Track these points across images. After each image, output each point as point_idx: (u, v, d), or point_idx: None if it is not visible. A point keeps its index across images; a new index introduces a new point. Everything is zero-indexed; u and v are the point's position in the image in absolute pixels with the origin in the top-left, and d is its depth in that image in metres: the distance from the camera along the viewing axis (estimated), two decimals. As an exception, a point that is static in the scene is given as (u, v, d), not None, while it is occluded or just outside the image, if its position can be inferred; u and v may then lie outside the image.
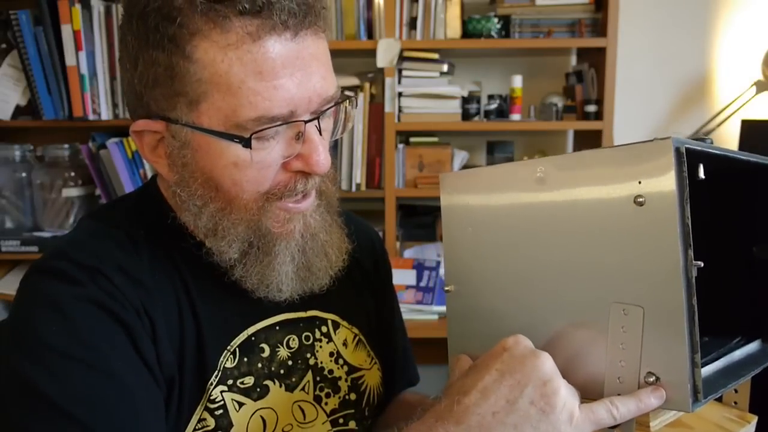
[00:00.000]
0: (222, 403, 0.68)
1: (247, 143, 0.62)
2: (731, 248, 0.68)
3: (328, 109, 0.66)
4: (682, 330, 0.49)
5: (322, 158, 0.65)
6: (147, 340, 0.63)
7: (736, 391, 0.70)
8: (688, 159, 0.50)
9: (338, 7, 2.01)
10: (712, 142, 0.54)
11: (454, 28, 2.02)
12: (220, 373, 0.68)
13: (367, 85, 2.04)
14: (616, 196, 0.52)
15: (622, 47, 2.03)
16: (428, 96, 2.03)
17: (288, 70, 0.61)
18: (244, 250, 0.67)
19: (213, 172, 0.65)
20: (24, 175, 2.08)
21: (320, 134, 0.65)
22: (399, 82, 2.02)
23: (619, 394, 0.52)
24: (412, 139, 2.14)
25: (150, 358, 0.63)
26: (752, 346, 0.66)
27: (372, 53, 1.99)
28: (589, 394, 0.55)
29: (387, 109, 2.01)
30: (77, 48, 1.97)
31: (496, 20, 2.02)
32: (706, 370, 0.57)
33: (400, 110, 2.04)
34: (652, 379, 0.50)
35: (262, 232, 0.67)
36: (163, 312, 0.66)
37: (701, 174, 0.51)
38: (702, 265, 0.49)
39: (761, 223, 0.67)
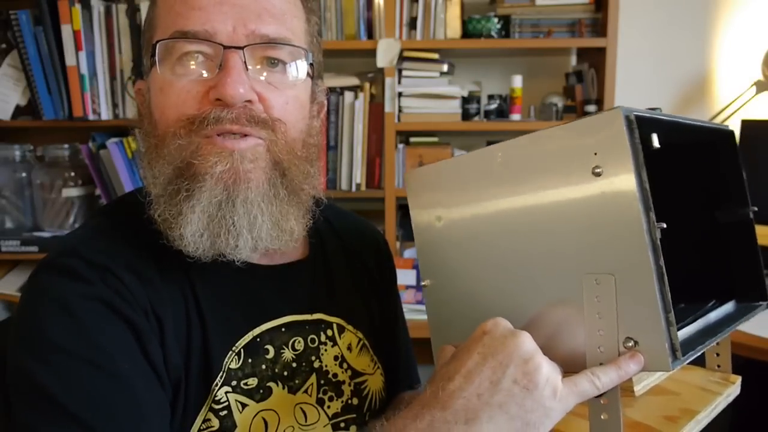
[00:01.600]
0: (226, 403, 0.67)
1: (153, 52, 0.66)
2: (699, 215, 0.70)
3: (259, 44, 0.66)
4: (653, 292, 0.50)
5: (232, 82, 0.63)
6: (154, 342, 0.63)
7: (717, 354, 0.72)
8: (644, 129, 0.51)
9: (338, 7, 2.01)
10: (661, 111, 0.56)
11: (454, 28, 2.02)
12: (224, 374, 0.68)
13: (367, 85, 2.04)
14: (574, 169, 0.54)
15: (622, 47, 2.03)
16: (428, 96, 2.03)
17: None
18: (164, 187, 0.66)
19: (152, 105, 0.69)
20: (24, 175, 2.08)
21: (246, 68, 0.65)
22: (399, 82, 2.02)
23: (601, 363, 0.53)
24: (412, 139, 2.14)
25: (157, 359, 0.63)
26: (727, 307, 0.68)
27: (372, 53, 1.99)
28: (573, 367, 0.55)
29: (387, 109, 2.01)
30: (77, 48, 1.97)
31: (496, 20, 2.02)
32: (684, 332, 0.58)
33: (400, 110, 2.04)
34: (630, 344, 0.51)
35: (183, 167, 0.65)
36: (171, 312, 0.66)
37: (656, 143, 0.52)
38: (665, 226, 0.50)
39: (722, 188, 0.69)
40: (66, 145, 2.06)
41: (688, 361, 0.53)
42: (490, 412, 0.51)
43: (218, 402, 0.67)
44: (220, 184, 0.64)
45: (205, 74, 0.65)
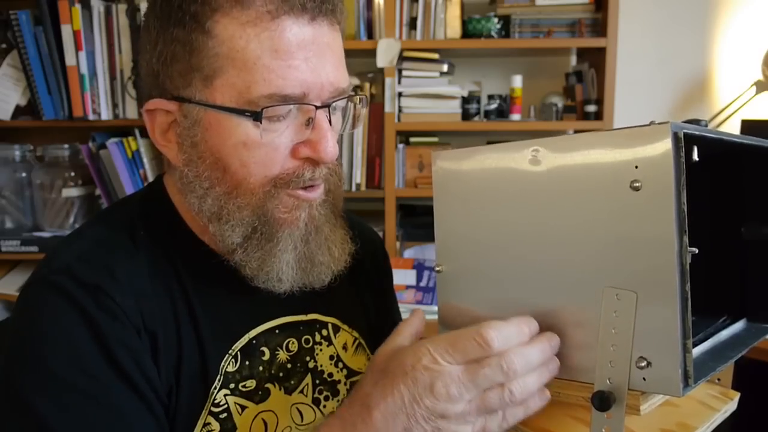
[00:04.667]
0: (226, 406, 0.68)
1: (257, 117, 0.62)
2: (720, 228, 0.68)
3: (339, 99, 0.67)
4: (675, 316, 0.49)
5: (330, 146, 0.65)
6: (148, 359, 0.64)
7: None
8: (684, 142, 0.49)
9: (338, 7, 2.01)
10: (707, 125, 0.54)
11: (454, 28, 2.02)
12: (221, 377, 0.68)
13: (367, 85, 2.04)
14: (611, 180, 0.52)
15: (622, 47, 2.03)
16: (428, 96, 2.03)
17: (303, 53, 0.63)
18: (247, 235, 0.67)
19: (222, 152, 0.65)
20: (24, 175, 2.08)
21: (330, 124, 0.65)
22: (399, 82, 2.02)
23: (609, 378, 0.53)
24: (412, 139, 2.14)
25: (152, 375, 0.64)
26: (738, 326, 0.66)
27: (372, 53, 1.99)
28: (582, 376, 0.55)
29: (387, 109, 2.01)
30: (77, 48, 1.97)
31: (496, 20, 2.02)
32: (695, 352, 0.56)
33: (400, 110, 2.04)
34: (643, 364, 0.51)
35: (266, 218, 0.66)
36: (163, 323, 0.66)
37: (695, 157, 0.50)
38: (696, 251, 0.49)
39: (750, 203, 0.67)
40: (66, 145, 2.06)
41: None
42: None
43: (217, 405, 0.67)
44: (301, 229, 0.68)
45: (294, 132, 0.66)
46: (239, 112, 0.63)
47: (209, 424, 0.67)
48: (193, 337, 0.68)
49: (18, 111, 2.06)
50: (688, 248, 0.48)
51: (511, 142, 0.59)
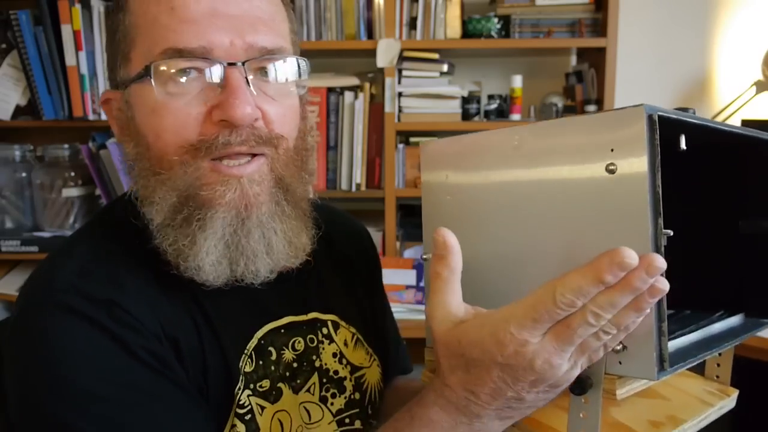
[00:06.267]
0: (249, 407, 0.67)
1: (147, 72, 0.61)
2: (719, 222, 0.67)
3: (258, 59, 0.63)
4: None
5: (241, 104, 0.60)
6: (174, 363, 0.62)
7: (718, 365, 0.69)
8: (671, 130, 0.49)
9: (338, 7, 2.01)
10: (695, 113, 0.53)
11: (454, 28, 2.02)
12: (243, 378, 0.68)
13: (367, 85, 2.04)
14: (589, 164, 0.52)
15: (622, 47, 2.03)
16: (428, 96, 2.03)
17: (204, 7, 0.60)
18: (169, 216, 0.63)
19: (141, 126, 0.64)
20: (24, 175, 2.08)
21: (248, 84, 0.62)
22: (399, 82, 2.02)
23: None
24: (412, 139, 2.14)
25: (182, 378, 0.63)
26: (734, 320, 0.66)
27: (372, 53, 1.99)
28: None
29: (387, 109, 2.01)
30: (77, 48, 1.97)
31: (496, 20, 2.02)
32: (680, 342, 0.56)
33: (400, 110, 2.04)
34: (619, 347, 0.50)
35: (189, 196, 0.62)
36: (183, 330, 0.65)
37: (683, 145, 0.50)
38: (671, 233, 0.48)
39: (749, 197, 0.67)
40: (66, 145, 2.06)
41: (676, 372, 0.51)
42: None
43: (242, 406, 0.67)
44: (232, 210, 0.63)
45: (203, 92, 0.62)
46: (141, 76, 0.62)
47: (235, 426, 0.66)
48: (212, 338, 0.67)
49: (18, 111, 2.06)
50: (663, 230, 0.48)
51: (496, 129, 0.60)
